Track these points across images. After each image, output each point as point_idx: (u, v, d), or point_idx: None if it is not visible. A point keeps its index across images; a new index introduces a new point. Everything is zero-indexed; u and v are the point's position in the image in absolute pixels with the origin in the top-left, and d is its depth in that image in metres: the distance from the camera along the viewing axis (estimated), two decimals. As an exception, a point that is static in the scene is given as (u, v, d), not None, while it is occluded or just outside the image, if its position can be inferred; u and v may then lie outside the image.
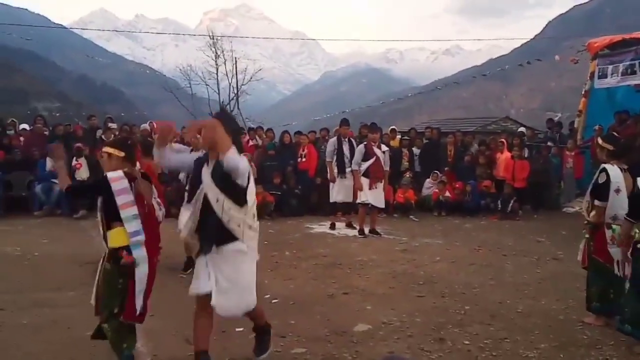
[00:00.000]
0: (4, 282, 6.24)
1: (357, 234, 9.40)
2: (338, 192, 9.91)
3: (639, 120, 12.29)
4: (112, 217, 3.61)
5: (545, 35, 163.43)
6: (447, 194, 11.81)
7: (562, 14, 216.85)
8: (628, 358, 4.30)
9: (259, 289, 6.10)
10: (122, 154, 3.68)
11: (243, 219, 3.68)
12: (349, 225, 9.97)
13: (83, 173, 11.04)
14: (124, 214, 3.54)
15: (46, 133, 12.56)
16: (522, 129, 17.04)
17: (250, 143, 12.89)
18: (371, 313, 5.33)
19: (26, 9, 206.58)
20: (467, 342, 4.57)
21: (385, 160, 9.37)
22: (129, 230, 3.54)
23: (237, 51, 30.24)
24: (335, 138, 10.20)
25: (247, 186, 3.64)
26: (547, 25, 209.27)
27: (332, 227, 10.02)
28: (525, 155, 12.61)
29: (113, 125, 13.12)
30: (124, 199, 3.54)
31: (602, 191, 4.86)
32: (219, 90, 28.84)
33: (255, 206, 3.83)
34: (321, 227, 10.22)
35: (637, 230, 4.48)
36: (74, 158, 11.11)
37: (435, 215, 11.72)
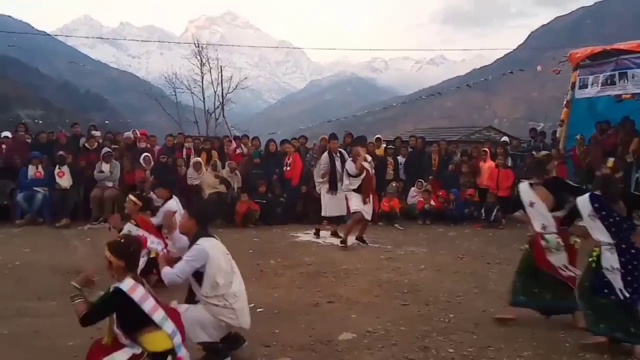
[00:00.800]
0: (-16, 291, 6.14)
1: (339, 243, 9.26)
2: (332, 210, 9.73)
3: (620, 130, 12.49)
4: (135, 328, 3.41)
5: (528, 46, 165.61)
6: (432, 202, 11.88)
7: (544, 24, 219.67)
8: (610, 365, 4.35)
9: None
10: (122, 263, 3.46)
11: (200, 293, 4.14)
12: (334, 234, 9.90)
13: (65, 181, 10.94)
14: (156, 318, 3.39)
15: (28, 141, 12.43)
16: (505, 138, 17.19)
17: (238, 151, 12.90)
18: (356, 322, 5.33)
19: (9, 16, 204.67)
20: (451, 350, 4.59)
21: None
22: (168, 331, 3.42)
23: (223, 59, 30.18)
24: (326, 154, 9.87)
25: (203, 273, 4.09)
26: (529, 35, 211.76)
27: (317, 234, 10.00)
28: (509, 165, 12.72)
29: (96, 133, 13.02)
30: (150, 304, 3.39)
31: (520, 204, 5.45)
32: (204, 98, 28.74)
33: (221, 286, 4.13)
34: (306, 235, 10.20)
35: (577, 240, 4.97)
36: (57, 166, 11.00)
37: (419, 224, 11.77)
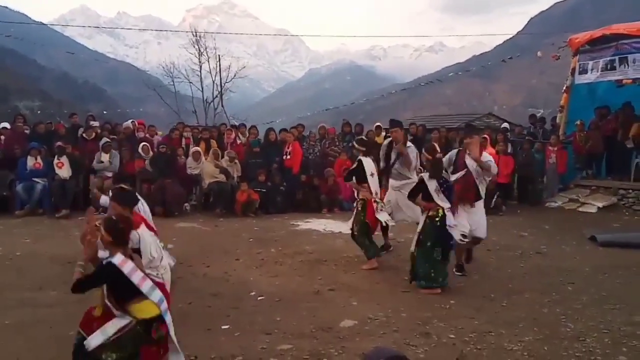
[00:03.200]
0: (-15, 282, 6.14)
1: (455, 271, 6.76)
2: (396, 211, 7.62)
3: (620, 115, 12.47)
4: (126, 298, 3.58)
5: (527, 32, 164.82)
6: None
7: (543, 10, 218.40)
8: (611, 350, 4.36)
9: (244, 286, 6.11)
10: (110, 238, 3.64)
11: None
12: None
13: (64, 172, 10.91)
14: (144, 289, 3.60)
15: (27, 131, 12.38)
16: (505, 124, 17.15)
17: (238, 141, 12.86)
18: (357, 309, 5.35)
19: (6, 7, 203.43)
20: (452, 336, 4.60)
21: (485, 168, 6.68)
22: (155, 300, 3.63)
23: (221, 49, 29.99)
24: (386, 144, 8.06)
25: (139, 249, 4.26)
26: (529, 22, 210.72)
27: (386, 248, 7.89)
28: (509, 151, 12.69)
29: (95, 124, 12.97)
30: (138, 276, 3.60)
31: (358, 174, 7.09)
32: (202, 88, 28.58)
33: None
34: (306, 224, 10.20)
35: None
36: (56, 157, 10.97)
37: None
